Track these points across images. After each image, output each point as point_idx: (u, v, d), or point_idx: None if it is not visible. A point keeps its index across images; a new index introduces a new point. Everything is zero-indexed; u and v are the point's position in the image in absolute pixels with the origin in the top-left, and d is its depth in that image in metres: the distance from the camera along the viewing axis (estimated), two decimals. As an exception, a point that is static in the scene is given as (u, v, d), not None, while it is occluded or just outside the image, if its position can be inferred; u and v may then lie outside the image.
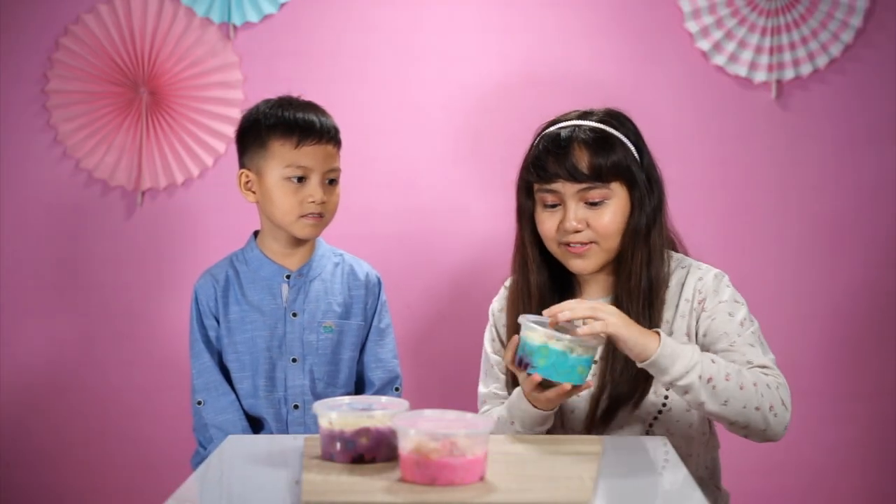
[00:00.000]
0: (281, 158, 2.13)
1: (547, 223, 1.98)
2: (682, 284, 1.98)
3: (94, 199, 2.82)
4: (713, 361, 1.81)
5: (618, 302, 1.96)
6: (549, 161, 1.96)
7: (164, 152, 2.79)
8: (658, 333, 1.80)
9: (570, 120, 2.01)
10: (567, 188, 1.95)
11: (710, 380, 1.79)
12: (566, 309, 1.76)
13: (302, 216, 2.14)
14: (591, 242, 1.96)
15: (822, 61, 2.75)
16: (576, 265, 1.98)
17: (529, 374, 1.76)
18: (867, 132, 2.78)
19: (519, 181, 2.05)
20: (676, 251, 2.07)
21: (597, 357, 1.92)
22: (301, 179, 2.13)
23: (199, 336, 2.18)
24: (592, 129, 1.97)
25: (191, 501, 1.50)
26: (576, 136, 1.96)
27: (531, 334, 1.74)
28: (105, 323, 2.83)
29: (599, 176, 1.94)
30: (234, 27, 2.79)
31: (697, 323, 1.96)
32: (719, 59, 2.77)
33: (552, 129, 2.01)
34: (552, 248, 2.00)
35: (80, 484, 2.84)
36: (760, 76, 2.77)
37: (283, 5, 2.80)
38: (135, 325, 2.83)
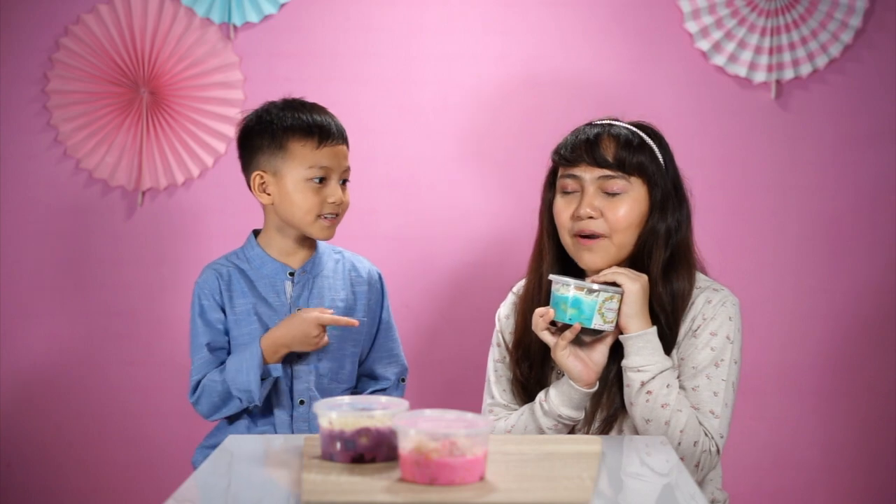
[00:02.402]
0: (303, 159, 2.14)
1: (563, 211, 2.00)
2: (692, 304, 1.98)
3: (94, 199, 2.82)
4: (668, 385, 1.87)
5: (661, 307, 1.97)
6: (575, 145, 1.99)
7: (164, 152, 2.80)
8: (653, 325, 1.90)
9: (603, 120, 2.04)
10: (588, 173, 1.97)
11: (649, 392, 1.87)
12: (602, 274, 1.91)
13: (320, 217, 2.15)
14: (602, 236, 1.96)
15: (821, 61, 2.76)
16: (585, 258, 1.98)
17: (568, 326, 1.87)
18: (867, 132, 2.79)
19: (546, 176, 2.08)
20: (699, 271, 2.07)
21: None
22: (321, 180, 2.14)
23: (199, 332, 2.17)
24: (625, 128, 2.00)
25: (191, 501, 1.50)
26: (606, 129, 1.99)
27: (563, 289, 1.87)
28: (105, 323, 2.83)
29: (622, 166, 1.95)
30: (235, 27, 2.80)
31: (684, 342, 1.96)
32: (719, 60, 2.78)
33: (584, 124, 2.05)
34: (565, 239, 2.01)
35: (80, 484, 2.84)
36: (760, 76, 2.77)
37: (283, 5, 2.80)
38: (135, 325, 2.83)
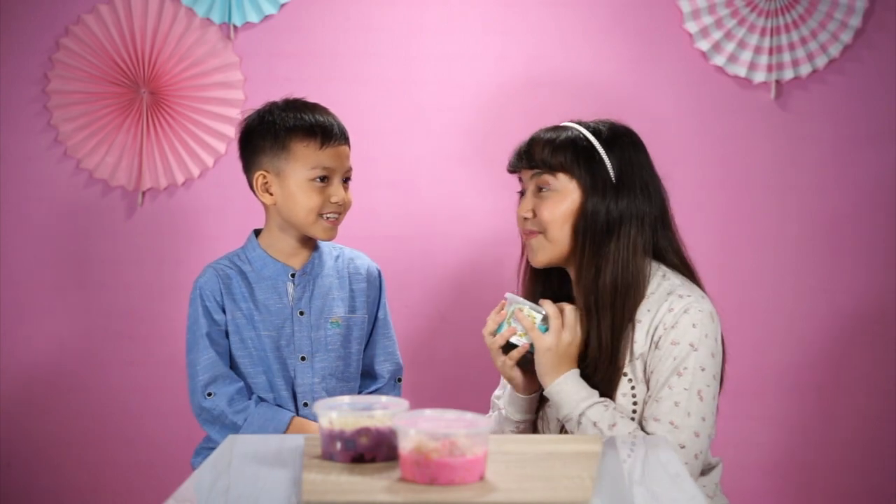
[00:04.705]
0: (305, 160, 2.14)
1: (517, 212, 2.08)
2: (657, 311, 1.95)
3: (94, 199, 2.82)
4: (595, 424, 1.89)
5: (587, 305, 1.97)
6: (516, 153, 2.07)
7: (164, 152, 2.80)
8: (568, 371, 1.94)
9: (561, 124, 2.08)
10: (525, 175, 2.05)
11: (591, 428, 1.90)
12: (545, 305, 1.97)
13: (322, 217, 2.15)
14: (538, 233, 2.02)
15: (821, 62, 2.76)
16: (530, 257, 2.06)
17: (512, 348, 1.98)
18: (867, 132, 2.79)
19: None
20: (688, 275, 2.04)
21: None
22: (324, 179, 2.15)
23: (204, 332, 2.16)
24: (560, 129, 2.04)
25: (190, 501, 1.50)
26: (540, 133, 2.05)
27: (536, 314, 1.96)
28: (105, 323, 2.83)
29: (545, 163, 2.00)
30: (235, 27, 2.80)
31: (650, 355, 1.95)
32: (719, 60, 2.78)
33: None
34: (522, 239, 2.09)
35: (80, 484, 2.84)
36: (760, 76, 2.77)
37: (283, 5, 2.80)
38: (135, 325, 2.83)
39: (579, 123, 2.04)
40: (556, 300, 2.00)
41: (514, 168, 2.07)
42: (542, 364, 1.94)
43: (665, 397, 1.90)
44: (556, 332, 1.92)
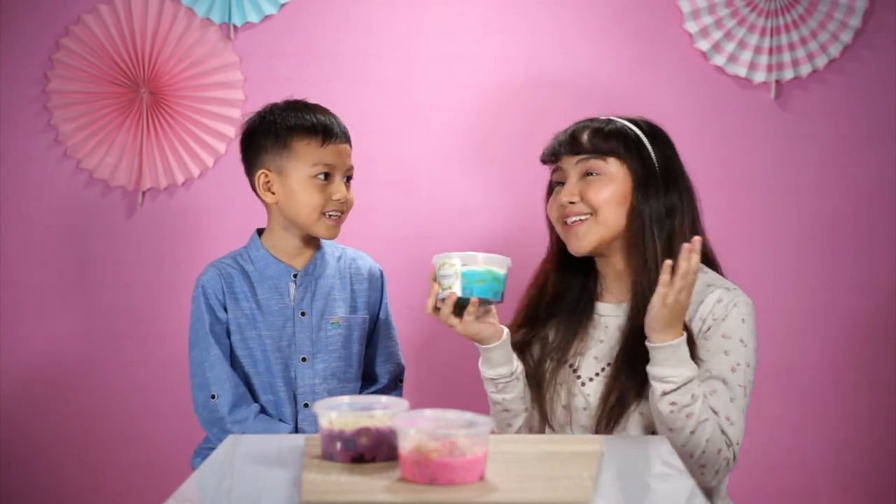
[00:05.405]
0: (307, 158, 2.14)
1: (552, 204, 2.06)
2: (702, 302, 1.96)
3: (94, 199, 2.82)
4: (692, 395, 1.85)
5: (636, 298, 1.96)
6: (557, 141, 2.06)
7: (164, 152, 2.80)
8: (682, 335, 1.85)
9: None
10: (568, 162, 2.03)
11: (673, 403, 1.85)
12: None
13: (324, 215, 2.15)
14: (585, 218, 1.99)
15: (821, 62, 2.76)
16: (572, 244, 2.02)
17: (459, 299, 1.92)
18: (867, 132, 2.79)
19: (547, 187, 2.12)
20: (713, 269, 2.06)
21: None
22: (326, 177, 2.15)
23: (207, 329, 2.16)
24: (603, 120, 2.05)
25: (191, 501, 1.50)
26: (584, 123, 2.06)
27: (447, 262, 1.91)
28: (105, 323, 2.83)
29: (596, 149, 2.00)
30: (235, 27, 2.80)
31: (697, 347, 1.94)
32: (719, 60, 2.78)
33: None
34: (559, 229, 2.06)
35: (80, 484, 2.84)
36: (760, 76, 2.77)
37: (283, 5, 2.80)
38: (135, 325, 2.83)
39: (619, 117, 2.06)
40: (584, 295, 2.06)
41: (554, 156, 2.05)
42: (657, 320, 1.82)
43: (721, 392, 1.90)
44: (677, 290, 1.82)
